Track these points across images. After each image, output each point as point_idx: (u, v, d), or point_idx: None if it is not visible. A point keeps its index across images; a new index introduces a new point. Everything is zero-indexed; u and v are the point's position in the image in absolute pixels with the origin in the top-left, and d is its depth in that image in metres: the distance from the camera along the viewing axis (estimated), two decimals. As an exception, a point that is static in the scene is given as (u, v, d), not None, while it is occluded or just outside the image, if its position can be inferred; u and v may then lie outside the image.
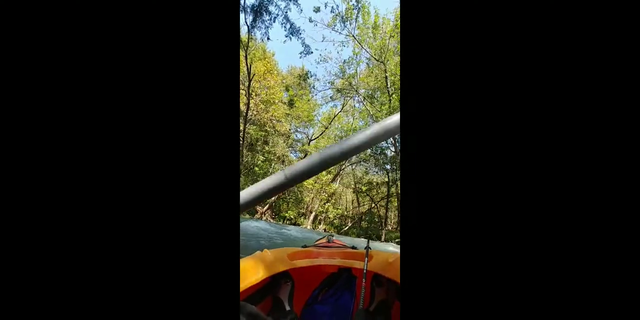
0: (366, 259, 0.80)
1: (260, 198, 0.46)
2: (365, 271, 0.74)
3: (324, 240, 1.49)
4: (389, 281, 0.82)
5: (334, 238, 1.51)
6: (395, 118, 0.42)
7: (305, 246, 1.26)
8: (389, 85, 11.48)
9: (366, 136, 0.43)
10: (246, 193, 0.46)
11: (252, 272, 0.72)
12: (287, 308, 0.75)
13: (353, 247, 1.26)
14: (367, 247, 0.98)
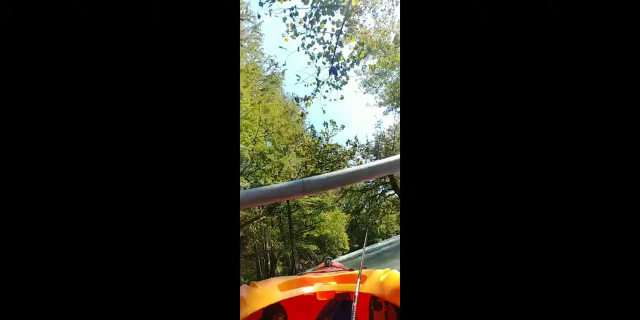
0: (358, 280, 0.74)
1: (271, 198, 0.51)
2: (357, 294, 0.68)
3: (321, 265, 1.42)
4: (388, 304, 0.77)
5: (332, 261, 1.43)
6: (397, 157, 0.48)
7: (300, 274, 1.21)
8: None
9: (370, 169, 0.50)
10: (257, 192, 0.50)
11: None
12: None
13: (351, 270, 1.19)
14: (360, 268, 0.92)
